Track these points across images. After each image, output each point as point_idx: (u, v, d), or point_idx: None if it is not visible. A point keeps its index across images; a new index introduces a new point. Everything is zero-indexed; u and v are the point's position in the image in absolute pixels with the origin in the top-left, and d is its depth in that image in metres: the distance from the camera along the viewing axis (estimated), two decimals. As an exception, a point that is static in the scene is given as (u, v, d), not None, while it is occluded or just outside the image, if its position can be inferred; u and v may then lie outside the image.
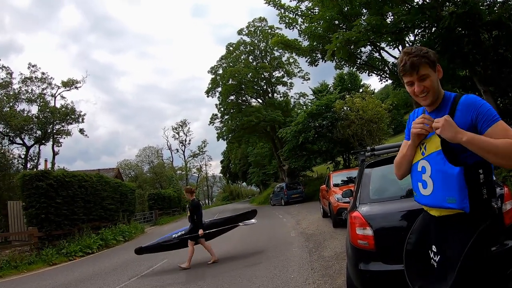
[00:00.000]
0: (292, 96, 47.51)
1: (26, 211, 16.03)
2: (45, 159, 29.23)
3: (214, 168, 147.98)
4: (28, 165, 29.44)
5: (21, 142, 29.24)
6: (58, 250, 15.33)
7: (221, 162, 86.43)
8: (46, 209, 15.98)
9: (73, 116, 30.43)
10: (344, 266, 6.58)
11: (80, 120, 30.96)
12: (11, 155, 28.96)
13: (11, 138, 28.87)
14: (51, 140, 30.16)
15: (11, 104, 28.17)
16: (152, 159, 62.94)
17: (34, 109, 29.26)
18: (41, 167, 28.91)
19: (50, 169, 26.67)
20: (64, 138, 31.22)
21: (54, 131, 30.01)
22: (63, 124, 30.40)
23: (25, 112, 29.03)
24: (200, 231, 10.02)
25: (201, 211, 10.30)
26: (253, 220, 11.65)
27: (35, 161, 30.21)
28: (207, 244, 10.54)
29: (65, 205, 16.97)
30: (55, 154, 30.67)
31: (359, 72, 26.31)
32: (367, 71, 22.70)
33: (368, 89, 30.80)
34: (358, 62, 22.36)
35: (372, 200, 4.60)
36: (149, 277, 9.61)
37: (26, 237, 16.50)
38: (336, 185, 14.26)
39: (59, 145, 31.19)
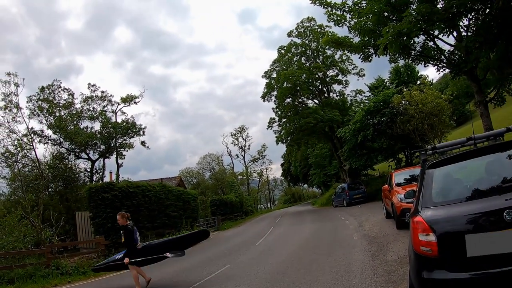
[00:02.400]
0: (348, 94, 46.43)
1: (93, 221, 16.86)
2: (110, 171, 30.52)
3: (275, 171, 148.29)
4: (94, 178, 30.74)
5: (86, 156, 30.67)
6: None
7: (282, 165, 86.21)
8: (112, 218, 16.55)
9: (134, 130, 31.42)
10: (408, 271, 6.27)
11: (141, 133, 31.96)
12: (77, 169, 30.54)
13: (76, 154, 30.30)
14: (115, 153, 31.34)
15: (75, 123, 29.51)
16: (213, 166, 64.02)
17: (97, 126, 30.50)
18: (106, 179, 30.05)
19: (114, 180, 27.75)
20: (127, 150, 32.33)
21: (117, 144, 31.15)
22: (125, 137, 31.49)
23: (89, 129, 30.38)
24: (126, 260, 9.86)
25: (135, 236, 10.11)
26: (181, 254, 10.98)
27: (100, 173, 31.49)
28: (135, 273, 10.04)
29: (130, 214, 17.49)
30: (119, 166, 31.87)
31: (415, 64, 25.18)
32: (423, 62, 21.69)
33: (426, 80, 29.51)
34: (412, 54, 21.43)
35: (436, 204, 4.26)
36: (211, 282, 9.69)
37: (93, 245, 17.15)
38: (398, 185, 13.66)
39: (123, 157, 32.35)
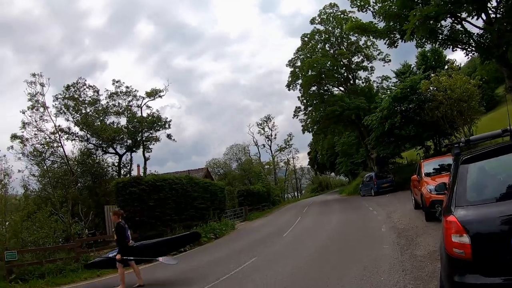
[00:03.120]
0: (374, 81, 45.54)
1: (121, 215, 16.95)
2: (138, 165, 30.63)
3: (302, 160, 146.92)
4: (122, 171, 31.04)
5: (113, 151, 30.92)
6: None
7: (308, 153, 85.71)
8: (140, 212, 16.89)
9: (159, 123, 31.59)
10: (438, 268, 6.04)
11: (167, 126, 32.11)
12: (105, 164, 30.83)
13: (104, 149, 30.59)
14: (141, 147, 31.60)
15: (101, 119, 29.89)
16: (240, 156, 63.95)
17: (123, 121, 30.78)
18: (134, 172, 30.37)
19: (142, 173, 28.04)
20: (153, 144, 32.56)
21: (143, 138, 31.39)
22: (151, 131, 31.70)
23: (115, 124, 30.62)
24: (118, 256, 10.06)
25: (127, 234, 10.33)
26: (173, 262, 11.23)
27: (128, 167, 31.79)
28: (136, 267, 10.44)
29: (157, 208, 17.80)
30: (146, 159, 32.06)
31: (442, 48, 24.46)
32: (451, 46, 21.07)
33: (454, 65, 28.61)
34: (439, 38, 20.80)
35: (470, 202, 3.98)
36: (238, 274, 9.71)
37: (123, 239, 17.37)
38: (428, 175, 13.24)
39: (149, 150, 32.53)
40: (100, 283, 12.39)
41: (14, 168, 24.90)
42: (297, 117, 46.51)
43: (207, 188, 23.76)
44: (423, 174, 13.43)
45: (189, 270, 11.92)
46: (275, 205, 47.83)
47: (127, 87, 31.32)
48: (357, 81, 44.76)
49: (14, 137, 26.47)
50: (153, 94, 32.26)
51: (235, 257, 12.76)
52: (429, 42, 22.19)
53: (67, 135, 29.08)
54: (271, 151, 74.06)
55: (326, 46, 43.99)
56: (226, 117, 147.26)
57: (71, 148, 31.47)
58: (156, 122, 31.34)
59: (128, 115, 30.90)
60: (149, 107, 32.31)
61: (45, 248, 14.58)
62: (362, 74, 44.96)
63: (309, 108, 44.44)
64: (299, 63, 44.63)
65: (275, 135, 73.77)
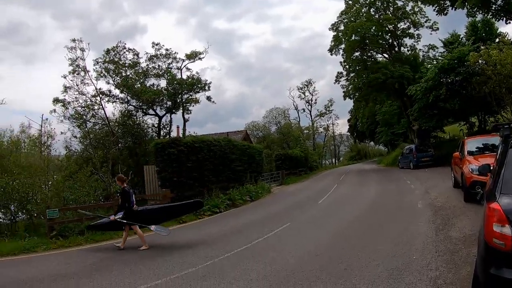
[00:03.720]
0: (420, 49, 43.41)
1: (160, 175, 17.43)
2: (177, 126, 30.93)
3: (341, 126, 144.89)
4: (161, 132, 31.49)
5: (153, 113, 31.33)
6: None
7: (348, 120, 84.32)
8: (178, 172, 17.18)
9: (199, 85, 31.48)
10: (472, 253, 5.93)
11: (207, 88, 32.00)
12: (145, 125, 31.41)
13: (144, 110, 31.07)
14: (181, 108, 31.84)
15: (141, 81, 30.09)
16: (279, 120, 63.84)
17: (163, 83, 31.01)
18: (173, 133, 30.71)
19: (181, 135, 28.45)
20: (193, 105, 32.70)
21: (183, 100, 31.51)
22: (190, 93, 31.68)
23: (155, 86, 30.76)
24: (112, 217, 10.83)
25: (132, 199, 10.67)
26: (164, 233, 11.14)
27: (168, 128, 32.20)
28: (139, 230, 10.75)
29: (195, 169, 18.04)
30: (185, 120, 32.19)
31: (495, 20, 23.09)
32: (504, 18, 19.81)
33: (506, 38, 27.08)
34: (493, 8, 19.61)
35: (518, 191, 3.71)
36: (271, 239, 9.84)
37: (160, 198, 17.88)
38: (470, 153, 12.80)
39: (189, 112, 32.63)
40: (134, 240, 12.80)
41: (57, 130, 26.03)
42: (339, 83, 45.68)
43: (245, 151, 23.92)
44: (466, 152, 13.02)
45: (223, 232, 12.11)
46: (312, 171, 47.65)
47: (166, 49, 31.31)
48: (402, 48, 42.99)
49: (56, 101, 27.48)
50: (193, 56, 32.17)
51: (268, 221, 12.98)
52: (481, 12, 21.03)
53: (107, 98, 29.83)
54: (311, 116, 73.45)
55: (371, 10, 42.20)
56: (266, 80, 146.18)
57: (111, 110, 32.01)
58: (196, 84, 31.35)
59: (168, 77, 31.05)
60: (189, 69, 32.34)
61: (85, 206, 15.02)
62: (407, 41, 43.09)
63: (351, 74, 43.29)
64: (342, 27, 43.11)
65: (316, 100, 72.95)
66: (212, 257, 8.63)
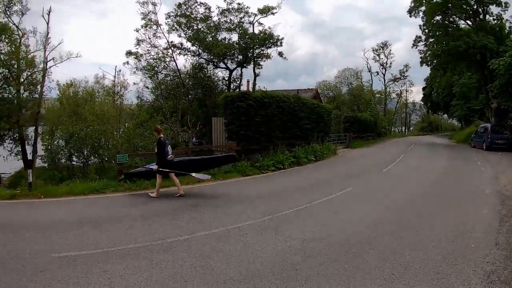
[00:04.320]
0: (507, 20, 39.53)
1: (227, 127, 17.60)
2: (247, 80, 31.27)
3: (415, 94, 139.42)
4: (231, 86, 31.90)
5: (224, 66, 31.83)
6: (253, 163, 16.86)
7: (423, 89, 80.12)
8: (245, 126, 17.32)
9: (271, 41, 31.18)
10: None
11: (278, 43, 31.66)
12: (216, 78, 32.18)
13: (215, 64, 31.60)
14: (252, 63, 31.77)
15: (212, 35, 30.30)
16: (351, 81, 62.47)
17: (234, 37, 30.99)
18: (243, 87, 30.95)
19: (251, 89, 28.55)
20: (264, 60, 32.56)
21: (254, 55, 31.43)
22: (262, 48, 31.55)
23: (226, 40, 30.93)
24: (155, 167, 11.26)
25: (167, 149, 11.26)
26: (205, 178, 12.10)
27: (238, 82, 32.50)
28: (176, 178, 11.43)
29: (263, 124, 18.16)
30: (256, 75, 32.26)
31: None
32: None
33: None
34: None
35: None
36: (330, 202, 9.76)
37: (226, 150, 18.09)
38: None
39: (260, 67, 32.65)
40: (198, 188, 13.15)
41: (129, 81, 27.24)
42: (416, 47, 43.03)
43: (314, 110, 23.57)
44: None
45: (283, 189, 12.25)
46: (380, 137, 46.57)
47: (238, 4, 31.20)
48: (487, 16, 39.42)
49: (129, 53, 29.00)
50: (265, 11, 31.71)
51: (330, 183, 12.99)
52: None
53: (179, 50, 30.79)
54: (384, 80, 70.88)
55: (458, -31, 39.06)
56: (340, 39, 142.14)
57: (183, 62, 33.14)
58: (268, 39, 31.03)
59: (240, 32, 31.02)
60: (261, 24, 32.02)
61: (153, 153, 15.53)
62: (494, 9, 39.48)
63: (431, 40, 40.63)
64: (423, -13, 40.44)
65: (390, 63, 69.93)
66: (271, 212, 8.78)
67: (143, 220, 8.69)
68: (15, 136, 19.65)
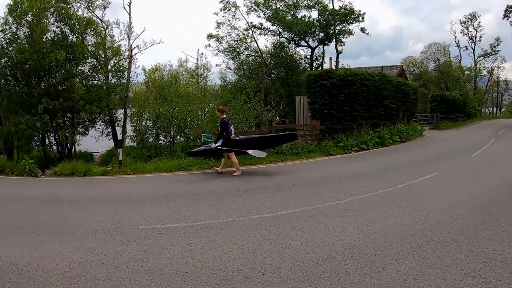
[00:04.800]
0: None
1: (311, 106, 17.40)
2: (330, 58, 30.53)
3: (508, 72, 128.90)
4: (314, 64, 31.39)
5: (305, 44, 31.30)
6: (336, 143, 16.58)
7: (517, 66, 74.09)
8: (329, 105, 17.12)
9: (352, 16, 30.04)
10: None
11: (360, 19, 30.45)
12: (297, 56, 31.73)
13: (296, 42, 31.18)
14: (334, 40, 30.98)
15: (292, 13, 29.96)
16: (438, 57, 58.94)
17: (314, 14, 30.37)
18: (326, 65, 30.51)
19: (334, 67, 27.95)
20: (346, 37, 31.62)
21: (336, 32, 30.57)
22: (343, 24, 30.49)
23: (306, 18, 30.36)
24: (213, 145, 11.94)
25: (230, 129, 11.76)
26: (261, 155, 12.51)
27: (320, 60, 31.89)
28: (235, 158, 11.93)
29: (346, 102, 17.83)
30: (338, 52, 31.40)
31: None
32: None
33: None
34: None
35: None
36: (413, 187, 9.28)
37: (309, 129, 17.88)
38: None
39: (342, 44, 31.73)
40: (281, 166, 13.23)
41: (212, 63, 28.05)
42: (508, 19, 39.72)
43: (400, 88, 22.45)
44: None
45: (367, 170, 11.97)
46: (469, 118, 43.71)
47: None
48: None
49: (210, 36, 29.61)
50: (344, -15, 30.67)
51: (415, 167, 12.37)
52: None
53: (259, 31, 30.86)
54: (474, 56, 65.32)
55: None
56: (425, 12, 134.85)
57: (264, 42, 33.08)
58: (349, 15, 29.93)
59: (319, 8, 30.29)
60: (341, -1, 30.97)
61: (238, 132, 15.90)
62: None
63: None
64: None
65: (480, 37, 64.26)
66: (353, 194, 8.63)
67: (226, 196, 8.97)
68: (105, 118, 20.84)
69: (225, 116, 12.09)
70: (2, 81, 18.83)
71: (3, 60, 18.40)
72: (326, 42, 31.00)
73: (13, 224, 7.86)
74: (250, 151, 12.29)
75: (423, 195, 8.46)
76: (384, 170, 11.95)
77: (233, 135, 12.01)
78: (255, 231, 6.41)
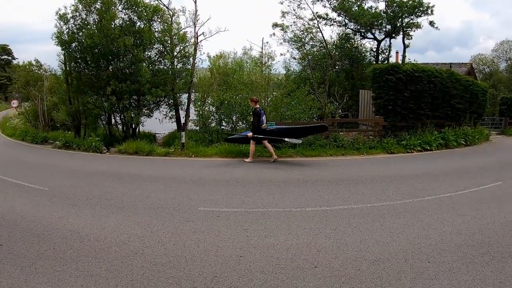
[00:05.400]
0: None
1: (375, 101, 17.17)
2: (396, 51, 29.67)
3: None
4: (380, 57, 30.67)
5: (372, 36, 30.65)
6: (399, 141, 16.28)
7: None
8: (393, 101, 16.84)
9: (421, 9, 28.87)
10: None
11: (429, 11, 29.22)
12: (363, 49, 31.12)
13: (362, 34, 30.61)
14: (401, 33, 30.03)
15: (358, 4, 29.48)
16: (510, 56, 55.61)
17: (381, 5, 29.49)
18: (392, 59, 29.72)
19: (400, 61, 27.17)
20: (414, 30, 30.51)
21: (403, 24, 29.59)
22: (411, 17, 29.46)
23: (373, 9, 29.69)
24: (249, 134, 12.74)
25: (262, 118, 12.59)
26: (296, 142, 13.51)
27: (386, 53, 31.09)
28: (268, 144, 12.89)
29: (412, 99, 17.38)
30: (405, 46, 30.46)
31: None
32: None
33: None
34: None
35: None
36: (472, 196, 8.79)
37: (372, 124, 17.58)
38: None
39: (409, 37, 30.71)
40: (341, 160, 13.27)
41: (277, 52, 28.16)
42: None
43: (468, 87, 21.30)
44: None
45: (427, 171, 11.70)
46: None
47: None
48: None
49: (275, 25, 29.62)
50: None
51: (478, 173, 11.73)
52: None
53: (325, 21, 30.55)
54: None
55: None
56: (498, 6, 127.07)
57: (329, 33, 32.89)
58: (417, 7, 28.84)
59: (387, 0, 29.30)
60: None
61: (300, 123, 16.31)
62: None
63: None
64: None
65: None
66: (411, 195, 8.53)
67: (285, 186, 9.23)
68: (170, 102, 21.46)
69: (258, 106, 12.89)
70: (72, 63, 19.94)
71: (73, 44, 19.34)
72: (393, 35, 30.12)
73: (78, 195, 8.43)
74: (286, 139, 13.07)
75: (484, 204, 8.07)
76: (446, 173, 11.54)
77: (264, 124, 12.76)
78: (311, 223, 6.53)
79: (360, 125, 18.81)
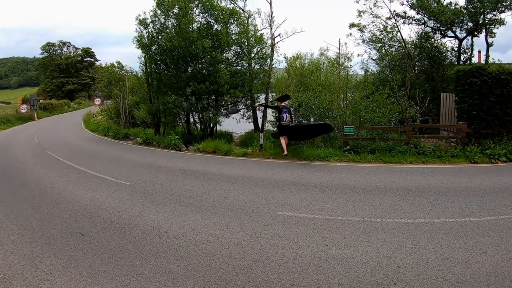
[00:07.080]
0: None
1: (458, 106, 16.47)
2: (479, 50, 27.83)
3: None
4: (461, 57, 29.10)
5: (452, 35, 28.98)
6: (483, 149, 15.22)
7: None
8: (478, 106, 15.91)
9: (504, 3, 26.96)
10: None
11: (514, 6, 27.38)
12: (444, 48, 29.50)
13: (442, 32, 29.12)
14: (484, 30, 28.35)
15: (437, 0, 28.04)
16: None
17: (461, 1, 27.98)
18: (474, 59, 28.00)
19: (484, 61, 25.70)
20: (497, 27, 28.65)
21: (486, 21, 27.89)
22: (494, 13, 27.60)
23: (452, 5, 28.06)
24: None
25: (282, 115, 14.27)
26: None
27: (468, 53, 29.40)
28: (283, 140, 14.33)
29: (498, 104, 16.25)
30: (488, 45, 28.59)
31: None
32: None
33: None
34: None
35: None
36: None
37: (454, 130, 16.90)
38: None
39: (492, 35, 28.88)
40: (421, 168, 12.84)
41: (354, 52, 27.58)
42: None
43: (560, 92, 19.88)
44: None
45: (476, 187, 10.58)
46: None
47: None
48: None
49: (352, 25, 29.34)
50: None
51: None
52: None
53: (403, 20, 29.28)
54: None
55: None
56: None
57: (408, 32, 31.55)
58: (500, 1, 26.71)
59: (470, -5, 27.80)
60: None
61: (380, 127, 16.15)
62: None
63: None
64: None
65: None
66: (497, 212, 7.93)
67: (365, 193, 9.14)
68: (247, 102, 21.95)
69: (283, 104, 14.50)
70: (153, 65, 21.10)
71: (153, 47, 20.42)
72: (476, 33, 28.43)
73: (158, 192, 8.89)
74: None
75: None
76: (494, 191, 10.51)
77: (284, 121, 14.24)
78: (392, 236, 6.42)
79: (441, 130, 18.06)
